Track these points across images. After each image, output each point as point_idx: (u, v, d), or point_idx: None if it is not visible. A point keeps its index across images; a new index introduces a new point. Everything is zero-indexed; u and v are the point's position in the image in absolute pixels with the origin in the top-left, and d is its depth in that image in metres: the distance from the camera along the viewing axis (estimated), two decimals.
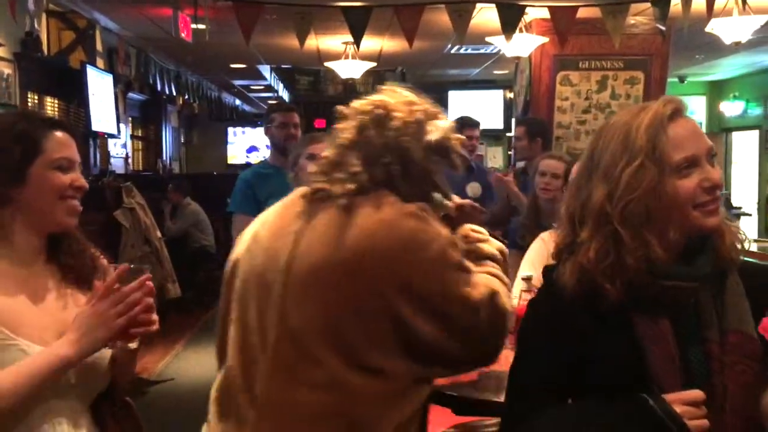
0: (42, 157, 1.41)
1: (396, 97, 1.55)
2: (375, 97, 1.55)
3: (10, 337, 1.34)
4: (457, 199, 1.72)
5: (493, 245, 1.65)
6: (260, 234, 1.53)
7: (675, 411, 1.19)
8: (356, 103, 1.56)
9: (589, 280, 1.28)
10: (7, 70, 5.78)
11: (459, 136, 1.60)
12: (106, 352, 1.45)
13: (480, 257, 1.58)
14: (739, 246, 1.34)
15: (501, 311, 1.44)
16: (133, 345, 1.41)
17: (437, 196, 1.61)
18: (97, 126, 7.13)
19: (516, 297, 2.28)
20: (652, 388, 1.24)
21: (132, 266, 1.42)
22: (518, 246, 3.21)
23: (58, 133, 1.45)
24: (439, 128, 1.54)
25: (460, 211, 1.71)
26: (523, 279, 2.34)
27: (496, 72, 10.93)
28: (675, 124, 1.28)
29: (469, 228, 1.67)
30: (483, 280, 1.47)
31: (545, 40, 5.42)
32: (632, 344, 1.26)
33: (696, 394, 1.21)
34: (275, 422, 1.41)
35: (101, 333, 1.35)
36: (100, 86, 7.25)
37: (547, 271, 1.40)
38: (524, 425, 1.31)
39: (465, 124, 4.82)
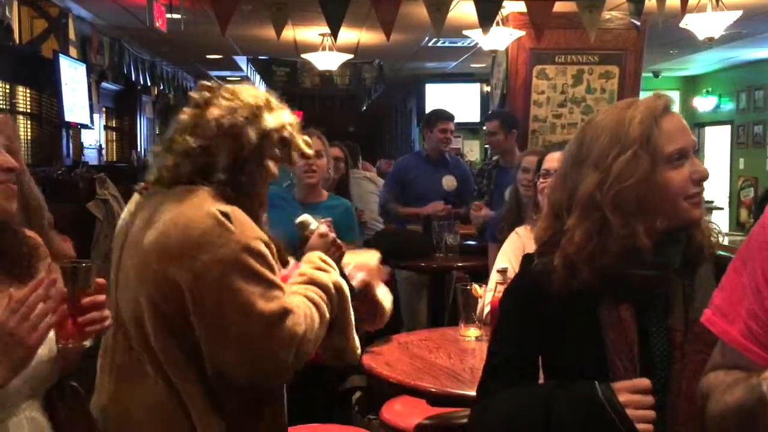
0: None
1: (245, 88, 1.60)
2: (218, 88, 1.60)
3: None
4: (324, 228, 1.90)
5: (331, 277, 1.64)
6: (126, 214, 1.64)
7: (617, 399, 1.21)
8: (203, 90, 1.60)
9: (571, 266, 1.31)
10: None
11: (305, 137, 1.66)
12: (52, 349, 1.35)
13: (310, 282, 1.59)
14: (713, 239, 1.37)
15: (288, 331, 1.42)
16: (87, 344, 1.33)
17: (305, 217, 1.90)
18: (69, 116, 7.03)
19: (491, 290, 2.30)
20: (609, 375, 1.28)
21: (82, 265, 1.31)
22: (497, 240, 3.22)
23: None
24: (279, 119, 1.58)
25: (320, 237, 1.89)
26: (498, 271, 2.35)
27: (473, 65, 10.94)
28: (666, 118, 1.33)
29: (318, 255, 1.70)
30: (287, 298, 1.47)
31: (522, 33, 5.43)
32: (594, 330, 1.30)
33: (643, 382, 1.24)
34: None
35: (20, 352, 1.22)
36: (73, 76, 7.14)
37: (526, 259, 1.46)
38: (482, 403, 1.38)
39: (438, 117, 4.82)
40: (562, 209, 1.35)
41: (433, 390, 1.88)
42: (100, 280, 1.33)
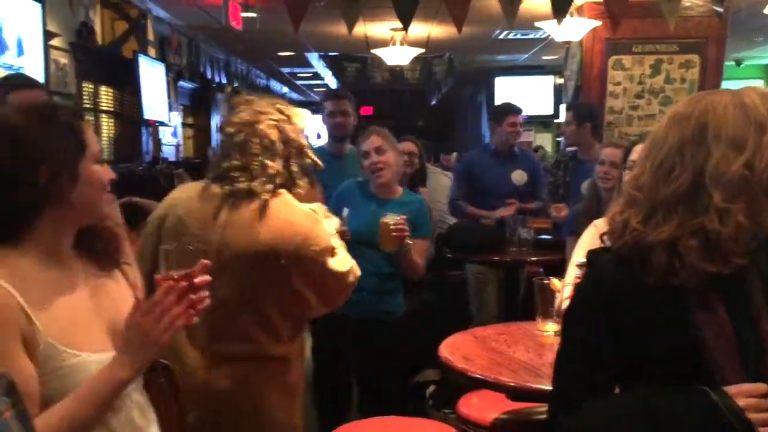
0: (88, 152, 1.37)
1: (264, 102, 2.09)
2: (262, 104, 2.08)
3: (76, 354, 1.31)
4: (339, 224, 2.31)
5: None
6: (186, 221, 2.03)
7: (739, 407, 1.16)
8: (247, 111, 2.08)
9: (713, 250, 1.23)
10: (64, 60, 5.92)
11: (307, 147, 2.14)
12: None
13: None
14: None
15: (353, 275, 2.11)
16: (195, 320, 1.42)
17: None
18: (149, 114, 7.26)
19: (569, 284, 2.26)
20: (712, 377, 1.21)
21: (186, 247, 1.43)
22: (576, 234, 3.17)
23: (88, 126, 1.41)
24: (298, 115, 2.10)
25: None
26: (577, 266, 2.30)
27: (545, 57, 10.77)
28: None
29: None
30: (346, 258, 2.12)
31: (597, 23, 5.32)
32: (685, 328, 1.24)
33: (760, 387, 1.18)
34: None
35: (151, 351, 1.34)
36: (151, 75, 7.37)
37: (596, 255, 1.37)
38: (572, 416, 1.30)
39: (507, 110, 4.74)
40: (667, 201, 1.27)
41: (513, 384, 1.86)
42: (205, 261, 1.40)
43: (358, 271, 2.15)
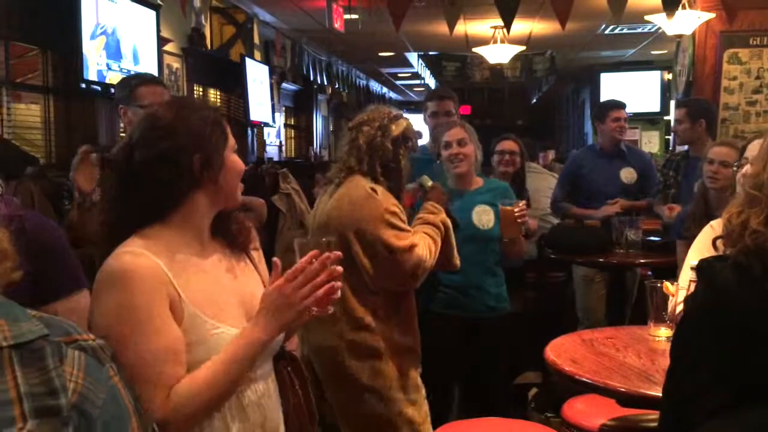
0: (229, 142, 1.50)
1: (372, 111, 2.51)
2: (361, 115, 2.51)
3: (218, 325, 1.40)
4: (429, 182, 2.68)
5: (437, 217, 2.53)
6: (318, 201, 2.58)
7: None
8: (357, 118, 2.52)
9: None
10: (176, 64, 6.19)
11: (411, 127, 2.52)
12: None
13: (425, 223, 2.50)
14: None
15: (415, 256, 2.33)
16: (330, 309, 1.48)
17: (424, 178, 2.70)
18: (254, 116, 7.49)
19: (684, 288, 2.17)
20: None
21: (320, 240, 1.50)
22: (684, 237, 3.04)
23: (223, 117, 1.54)
24: (399, 126, 2.46)
25: (431, 189, 2.66)
26: (692, 269, 2.21)
27: (653, 52, 10.39)
28: None
29: (430, 203, 2.59)
30: (412, 237, 2.36)
31: (711, 15, 5.08)
32: None
33: None
34: None
35: (290, 315, 1.41)
36: (257, 78, 7.60)
37: (709, 264, 1.25)
38: None
39: (610, 106, 4.59)
40: None
41: (624, 390, 1.80)
42: (337, 253, 1.47)
43: (424, 256, 2.35)
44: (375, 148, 2.42)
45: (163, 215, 1.44)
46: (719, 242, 1.29)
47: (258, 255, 1.64)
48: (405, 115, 2.58)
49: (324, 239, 1.52)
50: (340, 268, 1.46)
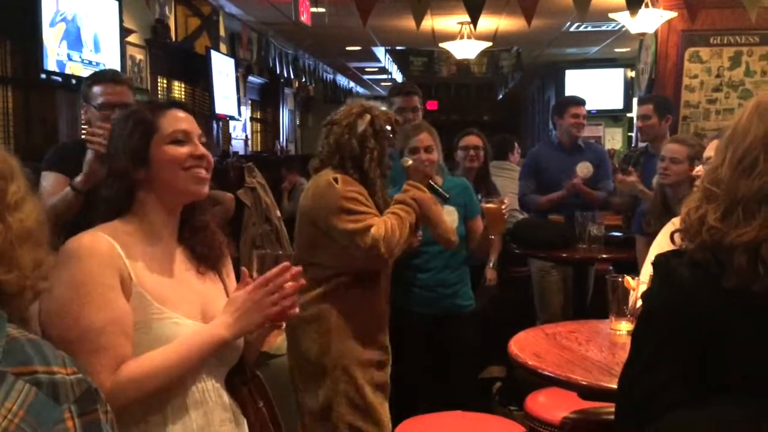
0: (157, 135, 1.47)
1: (344, 108, 2.59)
2: (334, 114, 2.62)
3: (164, 311, 1.40)
4: (409, 161, 2.75)
5: (408, 194, 2.57)
6: None
7: None
8: (330, 116, 2.63)
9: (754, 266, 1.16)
10: (140, 55, 6.09)
11: (388, 114, 2.59)
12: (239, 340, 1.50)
13: (395, 202, 2.54)
14: None
15: (371, 237, 2.39)
16: (282, 325, 1.49)
17: (403, 159, 2.79)
18: (219, 109, 7.42)
19: (644, 282, 2.21)
20: None
21: (278, 253, 1.50)
22: (644, 233, 3.09)
23: (172, 111, 1.50)
24: (364, 120, 2.51)
25: (409, 169, 2.70)
26: (653, 264, 2.24)
27: (617, 50, 10.52)
28: None
29: (407, 183, 2.63)
30: (369, 219, 2.43)
31: (673, 14, 5.16)
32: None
33: None
34: None
35: (256, 318, 1.41)
36: (222, 70, 7.53)
37: (667, 260, 1.27)
38: (650, 429, 1.23)
39: (569, 102, 4.65)
40: (752, 195, 1.19)
41: (585, 383, 1.82)
42: (296, 268, 1.46)
43: (381, 234, 2.42)
44: (342, 146, 2.50)
45: (122, 214, 1.47)
46: (677, 236, 1.30)
47: (227, 269, 1.62)
48: (375, 104, 2.60)
49: (282, 253, 1.52)
50: (302, 282, 1.46)
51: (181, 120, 1.50)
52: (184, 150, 1.47)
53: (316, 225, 2.49)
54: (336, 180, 2.46)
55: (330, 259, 2.49)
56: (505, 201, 3.03)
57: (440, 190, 2.74)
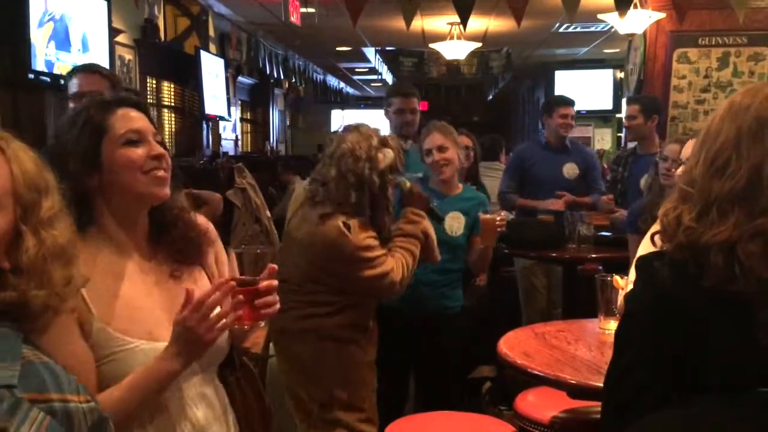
0: (108, 136, 1.37)
1: (355, 136, 2.43)
2: (344, 141, 2.44)
3: (130, 342, 1.33)
4: (408, 184, 2.62)
5: (417, 227, 2.58)
6: (297, 195, 2.66)
7: None
8: (332, 146, 2.48)
9: (728, 265, 1.16)
10: (128, 55, 6.07)
11: (398, 154, 2.48)
12: (223, 338, 1.45)
13: (404, 235, 2.54)
14: None
15: (389, 280, 2.42)
16: (262, 324, 1.44)
17: (401, 178, 2.59)
18: (209, 109, 7.40)
19: (632, 282, 2.21)
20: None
21: (258, 251, 1.40)
22: (639, 231, 3.10)
23: (122, 110, 1.40)
24: (386, 157, 2.42)
25: (411, 194, 2.62)
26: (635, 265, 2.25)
27: (606, 51, 10.57)
28: None
29: (410, 210, 2.60)
30: (385, 262, 2.43)
31: (661, 15, 5.18)
32: (748, 333, 1.16)
33: None
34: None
35: (197, 347, 1.32)
36: (212, 71, 7.51)
37: (648, 262, 1.27)
38: (632, 428, 1.22)
39: (558, 102, 4.67)
40: (721, 202, 1.19)
41: (574, 382, 1.83)
42: (272, 266, 1.39)
43: (398, 277, 2.44)
44: (364, 182, 2.39)
45: (79, 228, 1.28)
46: (657, 237, 1.31)
47: (216, 254, 1.55)
48: (389, 139, 2.53)
49: (259, 250, 1.42)
50: (274, 282, 1.38)
51: (133, 119, 1.39)
52: (140, 151, 1.37)
53: (322, 270, 2.45)
54: (348, 227, 2.38)
55: (331, 291, 2.48)
56: (502, 214, 3.06)
57: (437, 212, 2.74)
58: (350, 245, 2.37)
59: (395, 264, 2.46)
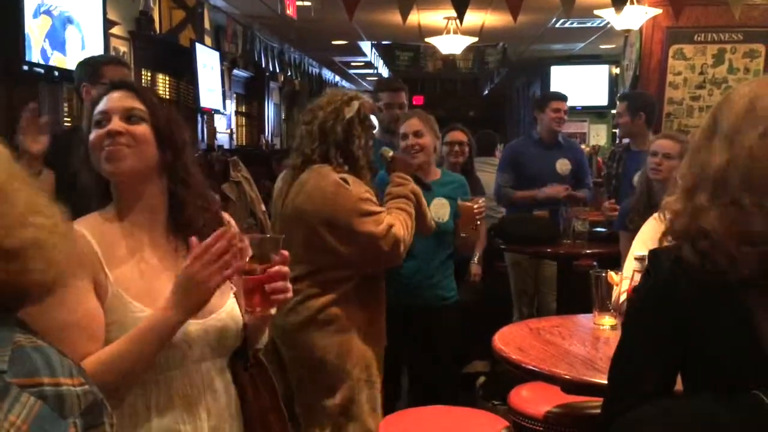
0: (84, 122, 1.48)
1: (327, 95, 2.51)
2: (317, 99, 2.51)
3: (144, 309, 1.37)
4: (390, 152, 2.69)
5: (407, 188, 2.57)
6: (277, 188, 2.58)
7: None
8: (311, 104, 2.52)
9: (716, 251, 1.19)
10: (123, 48, 6.04)
11: (371, 104, 2.59)
12: (237, 316, 1.48)
13: (397, 196, 2.54)
14: None
15: (393, 236, 2.39)
16: (273, 311, 1.44)
17: (383, 148, 2.70)
18: (204, 102, 7.36)
19: (628, 278, 2.22)
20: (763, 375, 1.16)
21: (268, 237, 1.45)
22: (627, 229, 3.10)
23: (109, 94, 1.46)
24: (352, 107, 2.44)
25: (394, 160, 2.66)
26: (636, 259, 2.25)
27: (602, 46, 10.57)
28: None
29: (396, 174, 2.61)
30: (387, 217, 2.41)
31: (658, 11, 5.19)
32: (745, 327, 1.18)
33: None
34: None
35: (199, 294, 1.33)
36: (207, 63, 7.47)
37: (655, 254, 1.32)
38: (629, 416, 1.25)
39: (551, 97, 4.70)
40: (694, 185, 1.24)
41: (568, 377, 1.83)
42: (285, 252, 1.41)
43: (402, 234, 2.41)
44: (326, 132, 2.42)
45: (103, 206, 1.47)
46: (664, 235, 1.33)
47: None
48: (363, 95, 2.56)
49: (271, 236, 1.47)
50: (285, 269, 1.41)
51: (108, 100, 1.44)
52: (100, 132, 1.42)
53: (320, 230, 2.37)
54: (345, 181, 2.37)
55: (334, 260, 2.40)
56: (480, 201, 3.04)
57: (424, 180, 2.72)
58: (352, 196, 2.36)
59: (397, 220, 2.43)
